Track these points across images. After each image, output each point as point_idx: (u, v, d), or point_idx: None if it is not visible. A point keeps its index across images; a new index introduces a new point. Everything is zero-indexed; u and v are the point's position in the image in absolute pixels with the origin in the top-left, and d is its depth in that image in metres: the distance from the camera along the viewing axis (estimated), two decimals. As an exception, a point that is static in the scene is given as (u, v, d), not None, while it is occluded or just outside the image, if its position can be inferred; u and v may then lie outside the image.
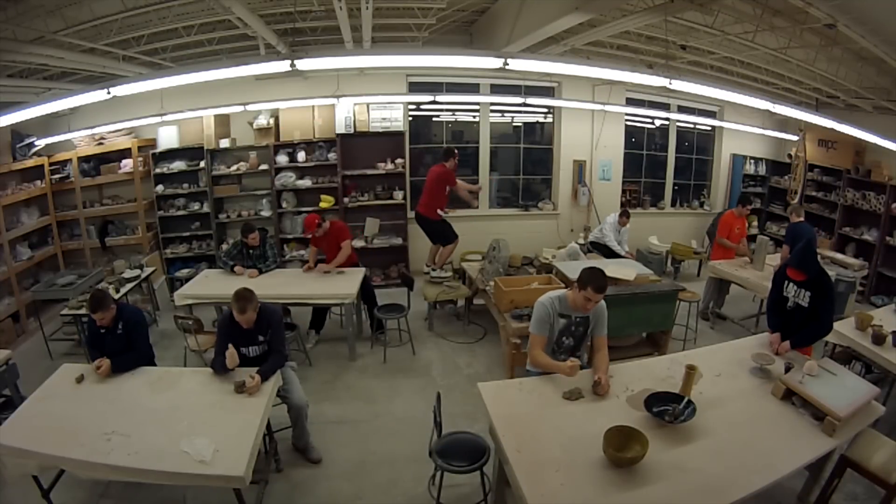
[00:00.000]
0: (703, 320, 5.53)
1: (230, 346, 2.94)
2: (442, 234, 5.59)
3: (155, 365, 3.30)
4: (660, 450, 2.19)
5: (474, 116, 7.29)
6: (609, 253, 5.99)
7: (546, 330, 2.93)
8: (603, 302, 2.95)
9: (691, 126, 8.16)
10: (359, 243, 6.35)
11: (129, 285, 5.09)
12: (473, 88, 6.98)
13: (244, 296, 2.99)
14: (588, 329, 3.00)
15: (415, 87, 6.77)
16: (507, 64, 3.15)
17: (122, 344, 3.10)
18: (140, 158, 6.26)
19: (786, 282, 3.28)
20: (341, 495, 3.05)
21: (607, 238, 6.03)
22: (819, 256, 3.70)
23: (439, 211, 5.43)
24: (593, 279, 2.76)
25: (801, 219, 5.42)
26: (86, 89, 3.26)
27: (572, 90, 6.99)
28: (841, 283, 4.94)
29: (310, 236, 5.04)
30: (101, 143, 6.17)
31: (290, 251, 6.70)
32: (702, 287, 5.69)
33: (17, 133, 5.37)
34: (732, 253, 5.68)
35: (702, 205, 8.36)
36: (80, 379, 2.91)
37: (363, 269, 5.02)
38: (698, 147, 8.46)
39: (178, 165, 6.36)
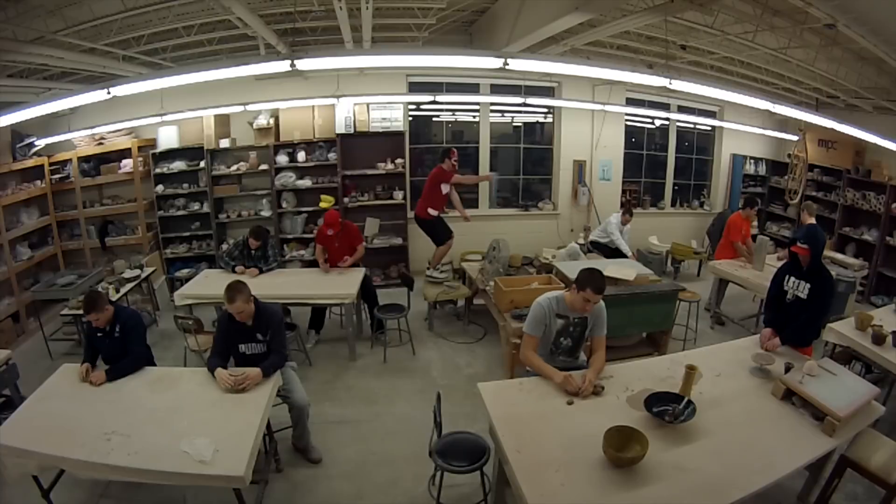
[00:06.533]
0: (712, 319, 5.60)
1: (218, 369, 2.88)
2: (435, 234, 5.59)
3: (155, 365, 3.30)
4: (660, 450, 2.19)
5: (474, 116, 7.29)
6: (609, 253, 5.97)
7: (540, 331, 2.92)
8: (602, 302, 2.94)
9: (691, 126, 8.16)
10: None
11: (129, 285, 5.10)
12: (473, 88, 6.98)
13: (234, 286, 2.99)
14: (586, 330, 2.99)
15: (415, 87, 6.77)
16: (507, 64, 3.14)
17: (118, 347, 3.08)
18: (140, 158, 6.25)
19: (786, 276, 3.32)
20: (341, 495, 3.05)
21: (615, 237, 5.94)
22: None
23: (430, 210, 5.43)
24: (592, 281, 2.75)
25: (813, 219, 5.37)
26: (86, 89, 3.26)
27: (572, 90, 6.98)
28: (841, 283, 4.93)
29: (314, 235, 5.07)
30: (101, 143, 6.17)
31: (290, 251, 6.69)
32: (701, 287, 5.69)
33: (17, 133, 5.37)
34: (737, 253, 5.68)
35: (702, 205, 8.36)
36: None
37: (363, 269, 5.03)
38: (698, 147, 8.46)
39: (178, 165, 6.36)
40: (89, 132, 5.84)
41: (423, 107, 7.10)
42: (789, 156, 7.73)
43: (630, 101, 7.36)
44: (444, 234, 5.59)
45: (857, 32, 3.65)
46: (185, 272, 6.22)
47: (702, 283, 6.72)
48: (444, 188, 5.37)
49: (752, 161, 8.37)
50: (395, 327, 4.99)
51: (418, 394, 4.11)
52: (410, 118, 7.00)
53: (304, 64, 3.01)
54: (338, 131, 6.39)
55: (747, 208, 5.72)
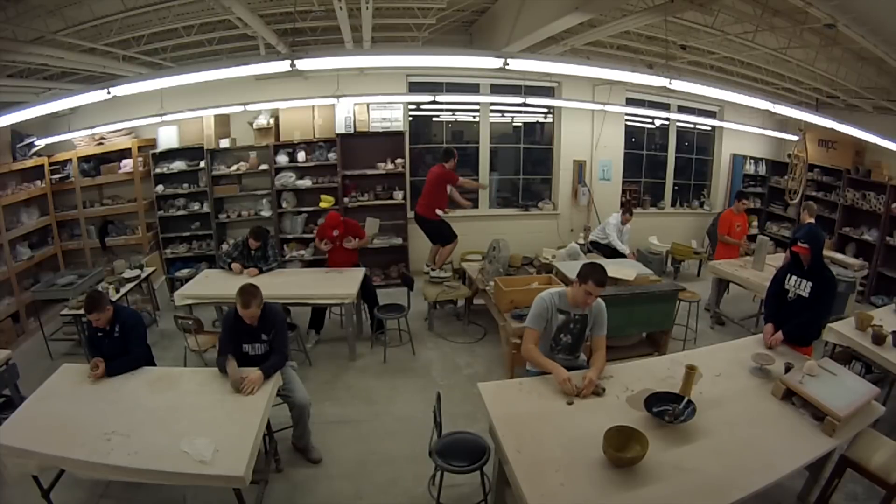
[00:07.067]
0: (712, 320, 5.60)
1: (231, 361, 2.93)
2: (440, 235, 5.59)
3: (155, 365, 3.30)
4: (660, 450, 2.19)
5: (474, 116, 7.28)
6: (609, 253, 5.98)
7: (541, 325, 2.94)
8: (602, 303, 2.95)
9: (691, 126, 8.15)
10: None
11: (129, 285, 5.10)
12: (473, 88, 6.97)
13: (249, 290, 3.02)
14: (586, 328, 3.00)
15: (415, 87, 6.76)
16: (507, 64, 3.14)
17: (118, 347, 3.09)
18: (140, 158, 6.25)
19: (787, 275, 3.34)
20: (341, 495, 3.05)
21: (611, 237, 5.99)
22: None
23: (438, 211, 5.43)
24: (594, 273, 2.77)
25: (813, 219, 5.41)
26: (86, 89, 3.26)
27: (572, 90, 6.98)
28: (841, 283, 4.91)
29: (315, 234, 5.15)
30: (101, 143, 6.17)
31: (290, 251, 6.69)
32: (701, 287, 5.70)
33: (17, 133, 5.36)
34: (736, 252, 5.69)
35: (702, 205, 8.37)
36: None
37: (363, 269, 5.03)
38: (698, 147, 8.46)
39: (178, 165, 6.35)
40: (89, 132, 5.83)
41: (423, 107, 7.09)
42: (789, 156, 7.72)
43: (630, 101, 7.36)
44: (449, 234, 5.59)
45: (856, 32, 3.65)
46: (185, 272, 6.22)
47: (702, 283, 6.72)
48: (447, 189, 5.38)
49: (752, 161, 8.36)
50: (395, 327, 4.99)
51: (418, 394, 4.11)
52: (410, 118, 7.00)
53: (304, 64, 3.01)
54: (338, 131, 6.39)
55: (736, 202, 5.86)
